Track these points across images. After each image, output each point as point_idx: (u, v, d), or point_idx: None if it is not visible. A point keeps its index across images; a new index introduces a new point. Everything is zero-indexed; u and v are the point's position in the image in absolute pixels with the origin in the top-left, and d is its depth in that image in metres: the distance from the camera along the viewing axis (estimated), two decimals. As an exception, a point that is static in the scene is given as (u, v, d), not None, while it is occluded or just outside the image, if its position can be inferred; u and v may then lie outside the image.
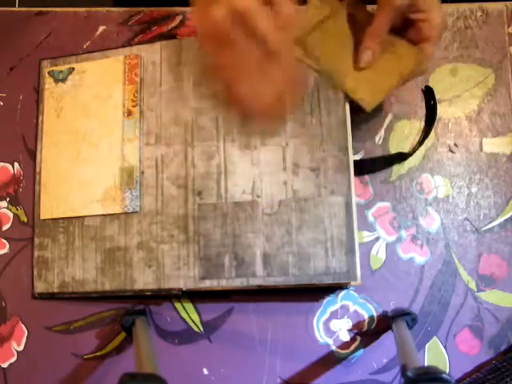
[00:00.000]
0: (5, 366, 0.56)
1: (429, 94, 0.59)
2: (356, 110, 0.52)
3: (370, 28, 0.50)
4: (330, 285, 0.52)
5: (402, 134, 0.59)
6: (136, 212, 0.54)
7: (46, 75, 0.59)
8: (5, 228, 0.58)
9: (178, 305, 0.56)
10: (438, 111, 0.58)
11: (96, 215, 0.55)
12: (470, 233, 0.57)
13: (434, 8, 0.48)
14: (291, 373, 0.55)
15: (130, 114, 0.56)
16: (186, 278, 0.52)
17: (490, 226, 0.57)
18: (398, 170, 0.58)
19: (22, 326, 0.57)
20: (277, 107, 0.49)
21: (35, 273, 0.56)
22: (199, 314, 0.56)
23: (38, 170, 0.58)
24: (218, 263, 0.52)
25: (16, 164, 0.59)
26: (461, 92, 0.59)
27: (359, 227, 0.53)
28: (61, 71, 0.59)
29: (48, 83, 0.59)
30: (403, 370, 0.43)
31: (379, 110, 0.59)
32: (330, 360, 0.55)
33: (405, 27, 0.50)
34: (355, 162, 0.53)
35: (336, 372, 0.55)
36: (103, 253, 0.54)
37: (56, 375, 0.56)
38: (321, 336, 0.55)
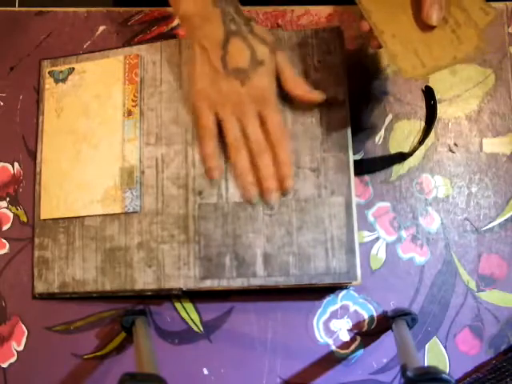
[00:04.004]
0: (5, 366, 0.56)
1: (429, 93, 0.59)
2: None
3: None
4: (330, 285, 0.52)
5: (402, 134, 0.59)
6: (136, 212, 0.54)
7: (46, 75, 0.59)
8: (5, 228, 0.58)
9: (178, 305, 0.56)
10: (437, 111, 0.58)
11: (96, 215, 0.55)
12: (470, 233, 0.57)
13: None
14: (291, 373, 0.55)
15: (130, 113, 0.56)
16: (186, 277, 0.52)
17: (490, 225, 0.57)
18: (397, 170, 0.58)
19: (22, 325, 0.57)
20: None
21: (35, 273, 0.56)
22: (199, 314, 0.56)
23: (38, 170, 0.58)
24: (218, 263, 0.52)
25: (16, 164, 0.59)
26: (461, 92, 0.59)
27: (359, 227, 0.53)
28: (61, 71, 0.59)
29: (48, 83, 0.59)
30: (403, 369, 0.43)
31: (379, 109, 0.59)
32: (329, 360, 0.55)
33: None
34: (355, 161, 0.53)
35: (336, 372, 0.55)
36: (103, 253, 0.54)
37: (56, 375, 0.56)
38: (321, 336, 0.55)
